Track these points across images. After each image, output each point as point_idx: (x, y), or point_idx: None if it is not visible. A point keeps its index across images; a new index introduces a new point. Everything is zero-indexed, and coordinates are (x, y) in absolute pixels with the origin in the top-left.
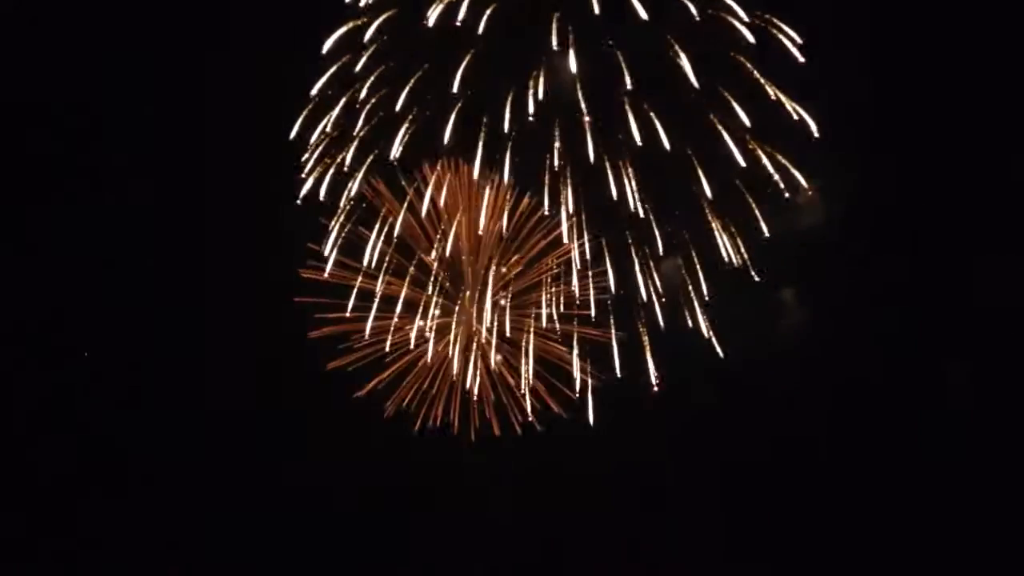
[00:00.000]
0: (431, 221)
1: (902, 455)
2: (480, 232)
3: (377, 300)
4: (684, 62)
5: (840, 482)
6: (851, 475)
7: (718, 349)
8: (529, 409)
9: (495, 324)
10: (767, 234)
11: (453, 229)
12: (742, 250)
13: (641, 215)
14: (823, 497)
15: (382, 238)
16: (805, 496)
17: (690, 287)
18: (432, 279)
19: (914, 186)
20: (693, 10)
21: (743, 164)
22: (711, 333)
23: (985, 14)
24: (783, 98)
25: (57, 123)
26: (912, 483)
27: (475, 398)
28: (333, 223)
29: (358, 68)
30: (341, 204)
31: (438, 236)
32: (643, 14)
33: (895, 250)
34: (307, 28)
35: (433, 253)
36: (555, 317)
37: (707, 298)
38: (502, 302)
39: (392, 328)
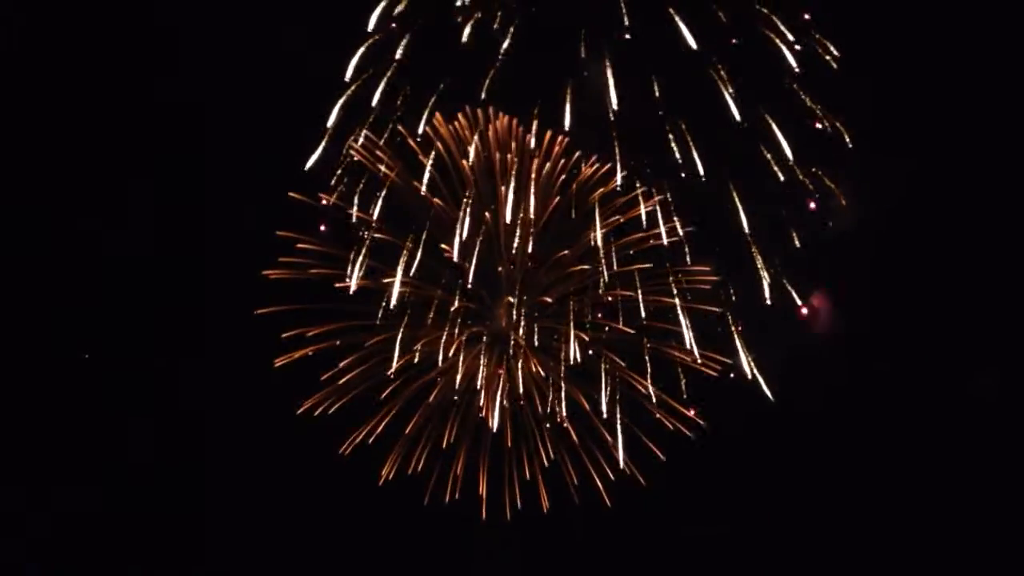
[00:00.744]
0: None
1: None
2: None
3: (410, 310)
4: (722, 79)
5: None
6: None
7: (766, 391)
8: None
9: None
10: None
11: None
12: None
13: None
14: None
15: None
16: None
17: (732, 326)
18: (459, 285)
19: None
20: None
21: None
22: (756, 373)
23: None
24: (820, 114)
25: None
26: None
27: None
28: (364, 234)
29: (383, 83)
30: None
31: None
32: (690, 40)
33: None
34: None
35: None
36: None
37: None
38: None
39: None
